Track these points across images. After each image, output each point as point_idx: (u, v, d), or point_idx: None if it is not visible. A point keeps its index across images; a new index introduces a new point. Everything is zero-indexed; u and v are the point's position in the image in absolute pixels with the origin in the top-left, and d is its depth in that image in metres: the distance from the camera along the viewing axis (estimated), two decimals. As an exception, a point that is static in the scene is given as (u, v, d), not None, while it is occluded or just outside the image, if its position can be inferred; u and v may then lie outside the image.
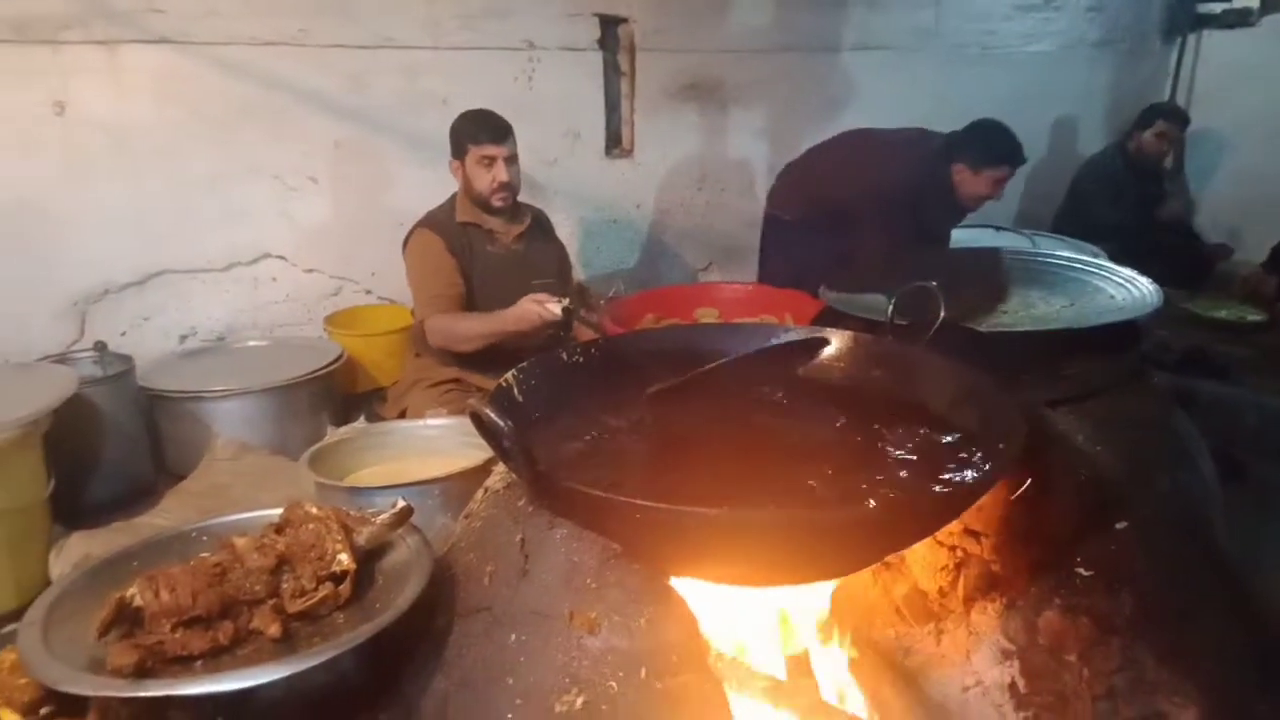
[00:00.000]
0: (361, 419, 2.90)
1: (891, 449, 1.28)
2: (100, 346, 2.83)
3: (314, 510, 1.33)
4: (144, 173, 3.05)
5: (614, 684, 0.96)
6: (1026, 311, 1.82)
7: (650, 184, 4.23)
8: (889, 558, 1.49)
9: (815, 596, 1.46)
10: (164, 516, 2.37)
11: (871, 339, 1.56)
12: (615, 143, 4.10)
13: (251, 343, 3.29)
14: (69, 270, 3.00)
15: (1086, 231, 4.45)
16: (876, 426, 1.34)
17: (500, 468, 1.45)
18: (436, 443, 2.26)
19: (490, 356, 2.69)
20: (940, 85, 4.83)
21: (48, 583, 2.17)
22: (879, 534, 1.15)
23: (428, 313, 2.73)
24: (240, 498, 2.37)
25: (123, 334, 3.10)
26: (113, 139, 2.98)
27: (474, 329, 2.68)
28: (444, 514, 1.85)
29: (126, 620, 1.20)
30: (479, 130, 2.75)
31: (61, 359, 2.81)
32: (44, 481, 2.27)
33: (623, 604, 1.06)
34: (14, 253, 2.90)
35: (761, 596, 1.37)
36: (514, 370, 1.44)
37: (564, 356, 1.55)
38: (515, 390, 1.41)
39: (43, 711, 1.22)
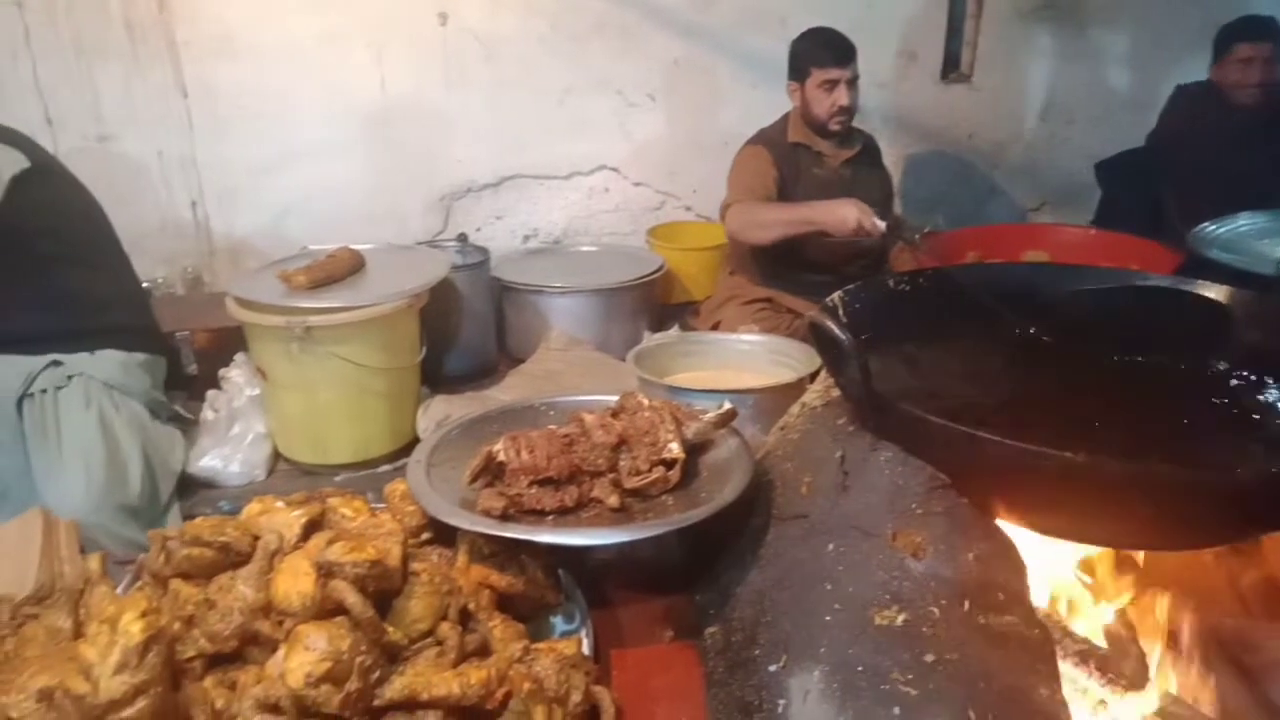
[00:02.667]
0: (675, 328, 3.06)
1: (1272, 420, 1.15)
2: (462, 238, 3.21)
3: (647, 401, 1.45)
4: (507, 81, 3.35)
5: (936, 610, 0.97)
6: None
7: (986, 112, 3.94)
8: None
9: (1148, 567, 1.36)
10: (506, 392, 2.69)
11: (1254, 296, 1.38)
12: (953, 66, 3.85)
13: (584, 247, 3.57)
14: (441, 168, 3.40)
15: None
16: (1254, 395, 1.21)
17: (818, 385, 1.48)
18: (747, 357, 2.34)
19: (802, 281, 2.70)
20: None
21: (414, 434, 2.55)
22: (1243, 509, 1.05)
23: (732, 199, 2.74)
24: (570, 384, 2.62)
25: (478, 229, 3.48)
26: (484, 48, 3.29)
27: (777, 215, 2.64)
28: (754, 425, 1.92)
29: (490, 472, 1.39)
30: (823, 52, 2.70)
31: (430, 245, 3.21)
32: (417, 348, 2.65)
33: (948, 534, 1.06)
34: (401, 149, 3.33)
35: (1088, 556, 1.30)
36: (840, 292, 1.44)
37: (890, 283, 1.53)
38: (840, 311, 1.42)
39: (423, 536, 1.44)
